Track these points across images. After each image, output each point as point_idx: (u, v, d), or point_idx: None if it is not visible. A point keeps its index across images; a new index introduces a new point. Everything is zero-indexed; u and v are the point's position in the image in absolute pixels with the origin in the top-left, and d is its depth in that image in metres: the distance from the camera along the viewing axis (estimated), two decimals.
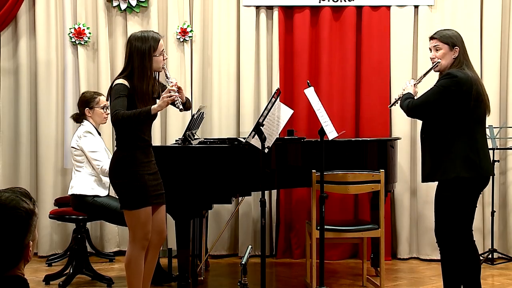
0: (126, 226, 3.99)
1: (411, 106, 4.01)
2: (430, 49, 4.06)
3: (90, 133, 4.93)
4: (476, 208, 5.65)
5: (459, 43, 3.98)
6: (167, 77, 3.83)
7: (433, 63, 4.03)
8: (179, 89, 3.78)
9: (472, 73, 3.93)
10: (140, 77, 3.77)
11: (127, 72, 3.81)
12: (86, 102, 5.01)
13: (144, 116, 3.69)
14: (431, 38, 4.07)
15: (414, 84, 4.17)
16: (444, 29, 4.18)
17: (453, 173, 3.86)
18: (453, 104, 3.85)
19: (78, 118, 5.07)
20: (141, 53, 3.78)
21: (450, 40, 3.97)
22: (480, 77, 5.75)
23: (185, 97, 3.95)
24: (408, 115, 4.15)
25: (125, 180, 3.81)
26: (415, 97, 4.08)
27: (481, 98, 3.90)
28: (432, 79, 4.18)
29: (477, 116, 3.91)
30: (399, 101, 4.14)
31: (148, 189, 3.82)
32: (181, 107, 3.74)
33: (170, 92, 3.70)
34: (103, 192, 4.90)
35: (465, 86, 3.83)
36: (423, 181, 4.13)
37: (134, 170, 3.80)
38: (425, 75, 4.20)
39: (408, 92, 4.11)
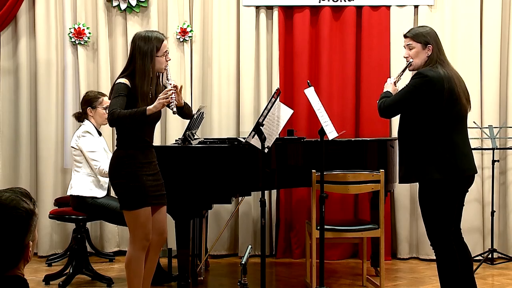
0: (127, 226, 3.99)
1: (383, 106, 3.99)
2: (405, 47, 4.01)
3: (89, 133, 4.93)
4: (476, 208, 5.74)
5: (433, 41, 3.91)
6: (167, 79, 3.83)
7: (407, 62, 4.00)
8: (176, 91, 3.78)
9: (447, 71, 3.84)
10: (141, 77, 3.77)
11: (129, 71, 3.82)
12: (89, 101, 5.01)
13: (139, 116, 3.68)
14: (405, 36, 4.02)
15: (394, 82, 4.13)
16: (418, 27, 4.14)
17: (426, 175, 3.83)
18: (425, 104, 3.82)
19: (80, 117, 5.07)
20: (143, 53, 3.78)
21: (423, 38, 3.91)
22: (480, 77, 5.81)
23: (185, 103, 3.93)
24: (381, 115, 4.11)
25: (123, 180, 3.81)
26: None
27: (455, 96, 3.81)
28: (407, 78, 4.17)
29: (453, 115, 3.84)
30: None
31: (147, 189, 3.81)
32: (174, 109, 3.73)
33: (166, 94, 3.70)
34: (100, 193, 4.88)
35: (437, 86, 3.78)
36: (399, 182, 4.13)
37: (132, 170, 3.79)
38: (401, 73, 4.15)
39: (387, 91, 4.08)
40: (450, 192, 3.85)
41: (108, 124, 3.84)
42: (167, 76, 3.85)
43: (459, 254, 3.90)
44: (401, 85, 4.12)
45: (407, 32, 4.02)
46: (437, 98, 3.79)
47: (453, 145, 3.84)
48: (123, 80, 3.79)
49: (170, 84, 3.79)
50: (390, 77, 4.30)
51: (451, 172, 3.81)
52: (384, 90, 4.12)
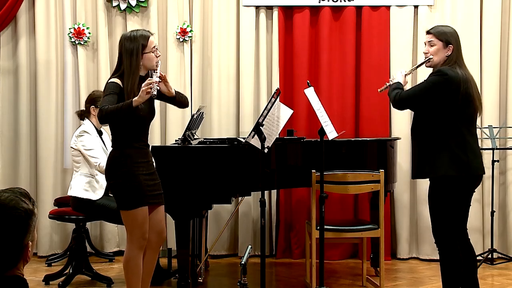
0: None
1: (398, 98, 3.99)
2: (425, 43, 4.04)
3: (87, 132, 4.92)
4: (476, 208, 5.74)
5: (454, 41, 3.94)
6: (155, 72, 3.82)
7: (425, 58, 4.01)
8: (162, 79, 3.81)
9: (464, 72, 3.89)
10: (128, 75, 3.79)
11: (119, 72, 3.85)
12: (93, 100, 5.02)
13: (126, 109, 3.67)
14: (427, 32, 4.04)
15: (405, 75, 4.14)
16: (442, 25, 4.17)
17: (441, 171, 3.86)
18: (441, 101, 3.84)
19: (82, 115, 5.07)
20: (130, 52, 3.81)
21: (445, 37, 3.94)
22: (480, 77, 5.81)
23: (176, 91, 3.95)
24: (394, 106, 4.14)
25: (119, 181, 3.81)
26: (404, 88, 4.07)
27: (471, 98, 3.86)
28: (425, 73, 4.18)
29: (466, 115, 3.89)
30: (389, 88, 4.14)
31: (144, 188, 3.81)
32: (154, 93, 3.68)
33: (148, 82, 3.69)
34: (99, 194, 4.86)
35: (454, 85, 3.81)
36: (413, 177, 4.21)
37: (128, 170, 3.79)
38: (416, 67, 4.21)
39: (398, 82, 4.09)
40: (461, 189, 3.90)
41: (99, 122, 3.84)
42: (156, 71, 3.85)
43: (463, 254, 3.91)
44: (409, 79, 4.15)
45: (430, 29, 4.04)
46: (453, 97, 3.83)
47: (466, 144, 3.88)
48: (114, 80, 3.82)
49: (156, 74, 3.79)
50: (401, 69, 4.30)
51: (465, 170, 3.85)
52: (394, 81, 4.12)
